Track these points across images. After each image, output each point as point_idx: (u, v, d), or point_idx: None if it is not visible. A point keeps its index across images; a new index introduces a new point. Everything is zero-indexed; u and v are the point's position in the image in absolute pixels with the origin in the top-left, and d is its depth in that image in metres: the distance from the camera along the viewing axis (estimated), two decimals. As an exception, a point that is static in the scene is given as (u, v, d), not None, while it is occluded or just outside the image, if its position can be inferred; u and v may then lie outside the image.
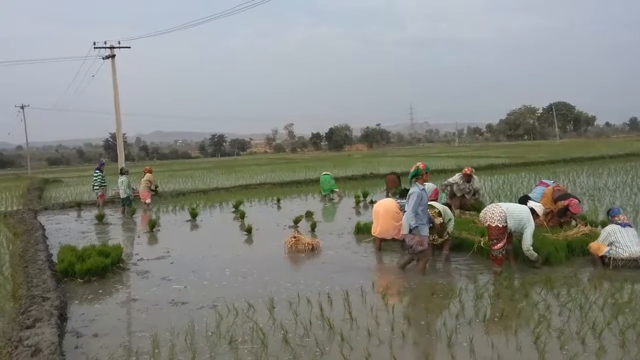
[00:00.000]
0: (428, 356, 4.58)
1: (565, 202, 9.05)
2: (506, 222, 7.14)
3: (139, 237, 12.01)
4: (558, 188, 9.62)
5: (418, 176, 7.36)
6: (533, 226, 7.28)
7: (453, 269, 7.70)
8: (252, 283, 7.41)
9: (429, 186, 11.28)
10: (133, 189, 16.92)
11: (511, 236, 7.34)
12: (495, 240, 7.18)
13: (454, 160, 33.87)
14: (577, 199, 9.29)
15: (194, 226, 13.17)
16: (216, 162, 64.04)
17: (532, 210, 7.39)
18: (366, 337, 5.19)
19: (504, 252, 7.22)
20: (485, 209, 7.55)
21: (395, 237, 9.02)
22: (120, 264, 8.56)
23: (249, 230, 11.33)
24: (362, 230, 10.47)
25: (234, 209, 15.30)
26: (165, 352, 5.04)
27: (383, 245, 9.18)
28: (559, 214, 9.14)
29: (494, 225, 7.16)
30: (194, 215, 14.02)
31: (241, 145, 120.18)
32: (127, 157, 51.50)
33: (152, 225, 12.53)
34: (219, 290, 7.13)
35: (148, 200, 16.80)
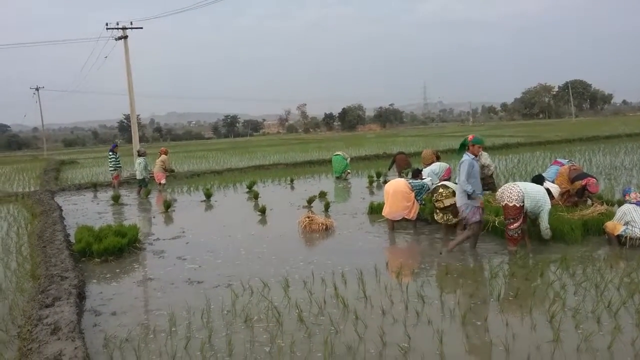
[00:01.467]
0: (442, 334, 4.59)
1: (584, 182, 8.95)
2: (523, 202, 7.10)
3: (154, 217, 12.13)
4: (574, 167, 9.50)
5: (466, 146, 7.46)
6: (549, 207, 7.24)
7: (467, 248, 7.69)
8: (267, 263, 7.47)
9: (442, 165, 11.22)
10: (149, 170, 17.05)
11: (526, 216, 7.31)
12: (512, 220, 7.15)
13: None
14: (594, 178, 9.19)
15: (209, 207, 13.26)
16: (229, 142, 64.24)
17: (548, 191, 7.34)
18: (380, 315, 5.22)
19: (519, 231, 7.19)
20: (503, 188, 7.50)
21: (406, 218, 9.00)
22: (137, 244, 8.67)
23: (262, 211, 11.39)
24: (376, 211, 10.47)
25: (247, 190, 15.38)
26: (181, 330, 5.12)
27: (396, 225, 9.17)
28: (578, 194, 9.04)
29: (511, 204, 7.12)
30: (208, 195, 14.11)
31: (254, 126, 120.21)
32: (142, 139, 51.92)
33: (168, 205, 12.64)
34: (234, 269, 7.20)
35: (163, 181, 16.93)
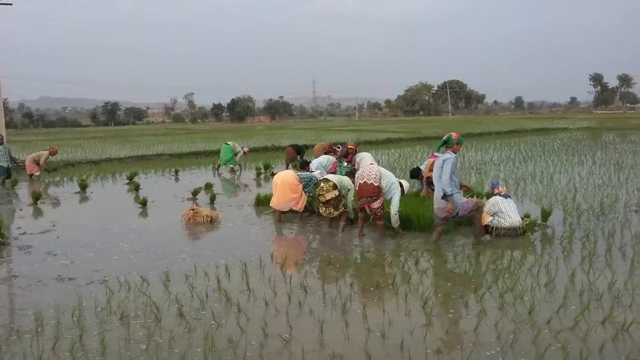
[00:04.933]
0: (323, 323, 4.68)
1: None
2: (380, 182, 7.63)
3: (21, 209, 11.13)
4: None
5: (448, 144, 7.28)
6: (399, 195, 7.80)
7: (349, 240, 7.91)
8: (147, 257, 7.16)
9: (329, 159, 11.46)
10: (14, 158, 15.62)
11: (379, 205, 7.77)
12: (373, 198, 7.59)
13: (355, 134, 34.62)
14: None
15: (84, 198, 12.44)
16: (109, 131, 60.72)
17: (401, 184, 7.94)
18: (263, 307, 5.21)
19: (383, 210, 7.69)
20: (362, 168, 7.97)
21: (294, 209, 9.09)
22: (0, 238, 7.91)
23: (143, 203, 10.90)
24: (263, 202, 10.44)
25: (127, 181, 14.63)
26: (49, 330, 4.75)
27: (283, 217, 9.22)
28: (427, 183, 9.76)
29: (369, 182, 7.59)
30: (83, 186, 13.23)
31: (137, 115, 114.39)
32: (9, 125, 47.32)
33: (37, 197, 11.67)
34: (110, 264, 6.81)
35: (37, 173, 15.62)
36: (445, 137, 7.39)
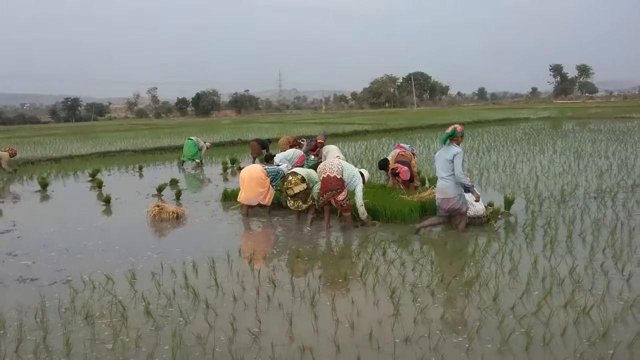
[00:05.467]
0: (292, 317, 4.69)
1: (398, 168, 9.72)
2: (342, 174, 7.72)
3: (-22, 210, 10.77)
4: (402, 153, 10.19)
5: (454, 137, 7.23)
6: (362, 186, 7.93)
7: (317, 232, 7.93)
8: (111, 255, 7.02)
9: (295, 152, 11.43)
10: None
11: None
12: (337, 191, 7.67)
13: (322, 127, 34.62)
14: (407, 167, 9.81)
15: (45, 197, 12.11)
16: (70, 127, 59.12)
17: (362, 175, 8.07)
18: (232, 302, 5.18)
19: (348, 201, 7.80)
20: (324, 162, 8.04)
21: (262, 203, 9.05)
22: (-45, 241, 7.64)
23: (107, 200, 10.68)
24: (230, 197, 10.36)
25: (90, 178, 14.30)
26: (12, 332, 4.63)
27: (250, 211, 9.17)
28: (393, 174, 9.87)
29: (332, 175, 7.67)
30: (44, 185, 12.88)
31: (99, 110, 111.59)
32: (-37, 122, 45.56)
33: (-6, 197, 11.31)
34: (74, 264, 6.66)
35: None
36: (450, 130, 7.28)
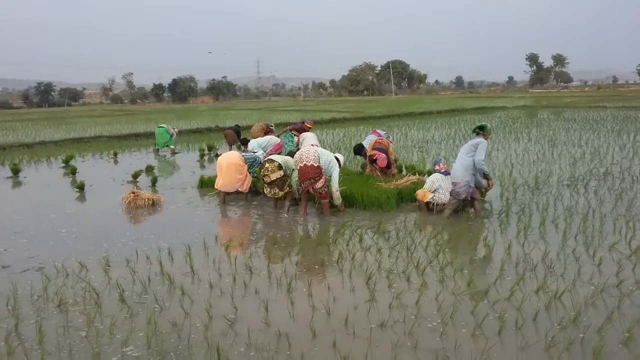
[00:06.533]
0: (268, 303, 4.69)
1: (375, 155, 9.76)
2: (319, 162, 7.74)
3: (-54, 197, 10.50)
4: (380, 141, 10.22)
5: (484, 131, 7.73)
6: (338, 172, 8.01)
7: (294, 219, 7.92)
8: (85, 242, 6.92)
9: (271, 139, 11.36)
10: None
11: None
12: (315, 179, 7.70)
13: (300, 115, 34.50)
14: (384, 154, 9.88)
15: (16, 184, 11.86)
16: (43, 112, 57.85)
17: (338, 160, 8.12)
18: (208, 289, 5.16)
19: (327, 188, 7.83)
20: (300, 151, 8.02)
21: (240, 190, 9.00)
22: None
23: (81, 187, 10.50)
24: (207, 184, 10.28)
25: (63, 165, 14.05)
26: (-19, 322, 4.54)
27: (227, 198, 9.12)
28: (370, 161, 9.90)
29: (309, 164, 7.68)
30: (15, 171, 12.61)
31: (73, 95, 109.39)
32: None
33: (-36, 183, 11.04)
34: (46, 251, 6.55)
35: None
36: (483, 123, 7.93)
